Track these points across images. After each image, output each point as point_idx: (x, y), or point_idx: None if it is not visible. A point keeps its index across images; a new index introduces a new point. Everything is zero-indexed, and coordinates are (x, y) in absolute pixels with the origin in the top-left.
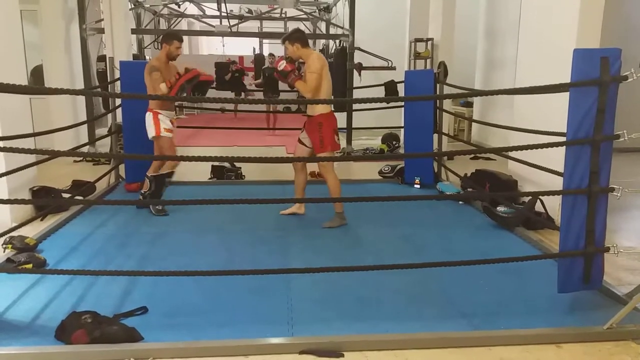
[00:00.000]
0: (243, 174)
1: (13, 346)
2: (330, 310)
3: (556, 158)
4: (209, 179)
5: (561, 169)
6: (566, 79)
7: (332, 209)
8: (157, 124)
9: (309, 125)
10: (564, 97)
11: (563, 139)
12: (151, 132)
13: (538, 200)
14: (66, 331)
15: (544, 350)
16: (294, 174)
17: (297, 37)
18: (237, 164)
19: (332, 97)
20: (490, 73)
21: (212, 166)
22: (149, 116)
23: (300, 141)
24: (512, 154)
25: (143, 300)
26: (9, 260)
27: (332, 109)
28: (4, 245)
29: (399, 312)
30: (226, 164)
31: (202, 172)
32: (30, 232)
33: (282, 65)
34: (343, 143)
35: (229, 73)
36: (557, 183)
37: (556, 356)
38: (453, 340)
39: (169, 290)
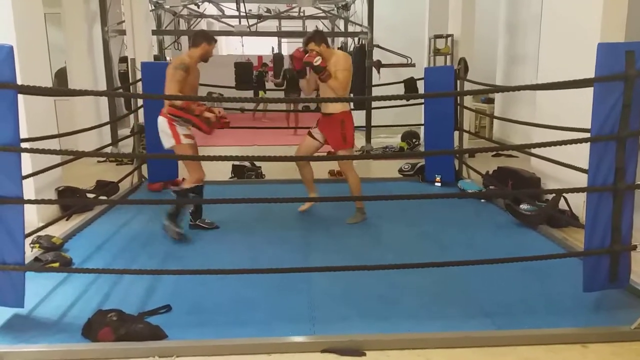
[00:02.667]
0: (263, 173)
1: (41, 343)
2: (352, 308)
3: (580, 155)
4: (230, 178)
5: (585, 166)
6: (590, 74)
7: (352, 206)
8: (174, 130)
9: (328, 122)
10: (588, 92)
11: (587, 135)
12: (169, 142)
13: (562, 198)
14: (92, 329)
15: (569, 351)
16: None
17: (322, 38)
18: (257, 163)
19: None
20: (511, 68)
21: (233, 165)
22: (162, 122)
23: (310, 134)
24: (535, 150)
25: (167, 298)
26: (36, 259)
27: (351, 107)
28: (32, 245)
29: (421, 311)
30: (247, 164)
31: (223, 171)
32: (57, 231)
33: (318, 60)
34: (362, 141)
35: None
36: (581, 180)
37: (582, 356)
38: (476, 340)
39: (192, 288)
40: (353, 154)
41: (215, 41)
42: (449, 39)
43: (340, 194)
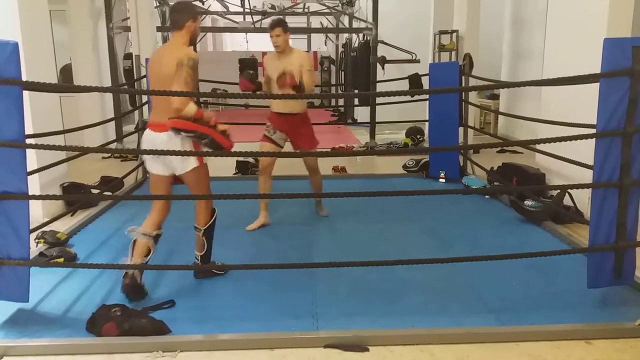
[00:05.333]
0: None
1: (46, 338)
2: (355, 304)
3: (585, 151)
4: (234, 174)
5: (591, 162)
6: (596, 69)
7: (354, 203)
8: (197, 146)
9: (296, 122)
10: (594, 88)
11: (593, 131)
12: (190, 163)
13: (567, 194)
14: (97, 323)
15: (573, 347)
16: (309, 178)
17: (287, 27)
18: None
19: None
20: (516, 64)
21: (237, 162)
22: (175, 137)
23: (269, 139)
24: (540, 146)
25: (170, 293)
26: (41, 254)
27: None
28: (37, 240)
29: (424, 307)
30: (251, 160)
31: (226, 167)
32: (61, 227)
33: (296, 79)
34: (367, 137)
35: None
36: (586, 176)
37: (586, 352)
38: (480, 336)
39: (196, 283)
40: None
41: (200, 14)
42: (454, 34)
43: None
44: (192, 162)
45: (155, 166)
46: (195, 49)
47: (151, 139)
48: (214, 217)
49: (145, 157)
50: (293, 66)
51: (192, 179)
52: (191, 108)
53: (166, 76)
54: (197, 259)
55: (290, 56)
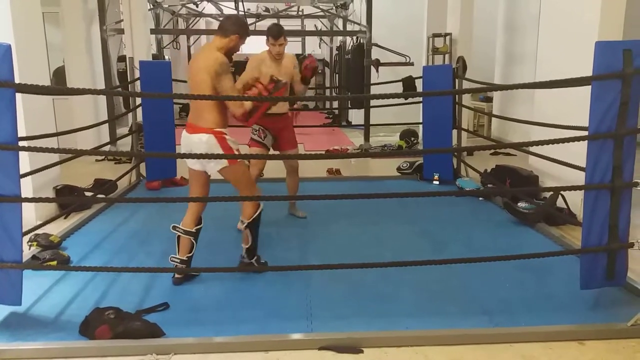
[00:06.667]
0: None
1: (38, 341)
2: (350, 306)
3: (578, 153)
4: None
5: (583, 164)
6: (588, 72)
7: (350, 204)
8: (227, 145)
9: (283, 121)
10: (586, 90)
11: (585, 133)
12: (221, 162)
13: (560, 196)
14: (90, 327)
15: (566, 347)
16: (287, 178)
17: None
18: None
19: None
20: (510, 67)
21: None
22: (210, 139)
23: (260, 144)
24: (533, 149)
25: (164, 296)
26: (34, 257)
27: None
28: (30, 243)
29: (418, 309)
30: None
31: None
32: (55, 229)
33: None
34: (361, 140)
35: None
36: (579, 178)
37: (579, 353)
38: (474, 337)
39: (190, 286)
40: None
41: (248, 36)
42: (448, 37)
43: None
44: (222, 162)
45: (191, 162)
46: (230, 60)
47: (186, 139)
48: (259, 210)
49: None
50: (287, 69)
51: (229, 177)
52: (247, 103)
53: (200, 81)
54: (243, 253)
55: (284, 60)
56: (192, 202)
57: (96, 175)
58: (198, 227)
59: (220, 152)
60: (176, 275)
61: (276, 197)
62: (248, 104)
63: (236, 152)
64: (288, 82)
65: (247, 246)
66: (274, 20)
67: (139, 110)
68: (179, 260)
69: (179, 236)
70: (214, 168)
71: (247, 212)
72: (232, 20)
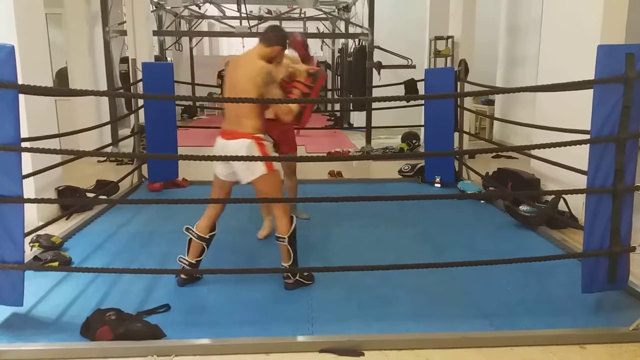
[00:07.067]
0: None
1: (40, 342)
2: (351, 309)
3: (580, 156)
4: None
5: (585, 168)
6: (590, 75)
7: (352, 207)
8: (265, 152)
9: (284, 126)
10: (588, 94)
11: (587, 136)
12: (259, 170)
13: (561, 199)
14: (91, 328)
15: (567, 351)
16: (285, 180)
17: None
18: None
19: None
20: (511, 70)
21: None
22: (251, 145)
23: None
24: (535, 152)
25: (166, 298)
26: (36, 258)
27: None
28: (31, 244)
29: (419, 312)
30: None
31: None
32: (56, 230)
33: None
34: (362, 142)
35: None
36: (581, 182)
37: (580, 357)
38: (474, 340)
39: (191, 288)
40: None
41: (286, 48)
42: (450, 40)
43: (341, 195)
44: (260, 170)
45: (222, 170)
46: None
47: (223, 147)
48: (295, 223)
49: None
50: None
51: (262, 186)
52: (293, 107)
53: (241, 91)
54: (288, 274)
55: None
56: (210, 208)
57: (98, 176)
58: (212, 233)
59: (259, 155)
60: (182, 276)
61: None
62: (294, 107)
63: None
64: (321, 68)
65: (289, 263)
66: (276, 23)
67: (141, 112)
68: (187, 263)
69: (190, 239)
70: (249, 177)
71: (283, 227)
72: (278, 32)
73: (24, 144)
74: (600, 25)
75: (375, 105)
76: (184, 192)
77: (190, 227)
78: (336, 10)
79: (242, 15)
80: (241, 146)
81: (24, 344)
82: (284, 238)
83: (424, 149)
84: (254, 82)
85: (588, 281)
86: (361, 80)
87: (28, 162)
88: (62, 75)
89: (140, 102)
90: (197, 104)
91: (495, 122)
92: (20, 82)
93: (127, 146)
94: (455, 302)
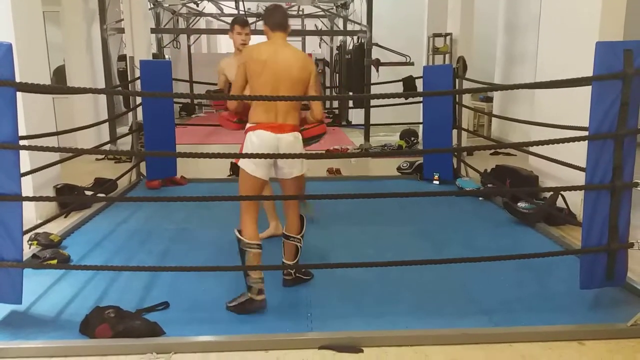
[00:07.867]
0: None
1: (39, 340)
2: (350, 306)
3: (578, 153)
4: (228, 176)
5: (583, 164)
6: (588, 72)
7: (349, 204)
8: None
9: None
10: (586, 91)
11: (585, 133)
12: (301, 168)
13: (560, 196)
14: (90, 325)
15: (566, 347)
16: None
17: None
18: None
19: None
20: (510, 67)
21: (231, 163)
22: (299, 137)
23: None
24: (533, 149)
25: (164, 295)
26: (34, 256)
27: None
28: (30, 242)
29: (418, 308)
30: None
31: (220, 169)
32: (55, 228)
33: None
34: (361, 139)
35: None
36: (579, 178)
37: (578, 353)
38: (473, 337)
39: (190, 285)
40: None
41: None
42: (448, 37)
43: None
44: (302, 168)
45: (260, 170)
46: None
47: (274, 141)
48: (305, 221)
49: (248, 160)
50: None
51: (298, 183)
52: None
53: (298, 79)
54: (291, 270)
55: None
56: (252, 212)
57: (96, 174)
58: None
59: (303, 151)
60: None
61: (277, 197)
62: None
63: None
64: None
65: (295, 260)
66: None
67: (139, 110)
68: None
69: (249, 252)
70: (295, 172)
71: (297, 226)
72: (284, 14)
73: (22, 142)
74: (599, 22)
75: (373, 102)
76: (182, 190)
77: (246, 240)
78: (334, 7)
79: (240, 12)
80: (297, 139)
81: (23, 342)
82: (297, 237)
83: (422, 146)
84: (310, 72)
85: (586, 277)
86: (359, 77)
87: (26, 160)
88: (59, 73)
89: (139, 99)
90: (196, 101)
91: (493, 119)
92: (18, 80)
93: (125, 144)
94: (454, 298)
